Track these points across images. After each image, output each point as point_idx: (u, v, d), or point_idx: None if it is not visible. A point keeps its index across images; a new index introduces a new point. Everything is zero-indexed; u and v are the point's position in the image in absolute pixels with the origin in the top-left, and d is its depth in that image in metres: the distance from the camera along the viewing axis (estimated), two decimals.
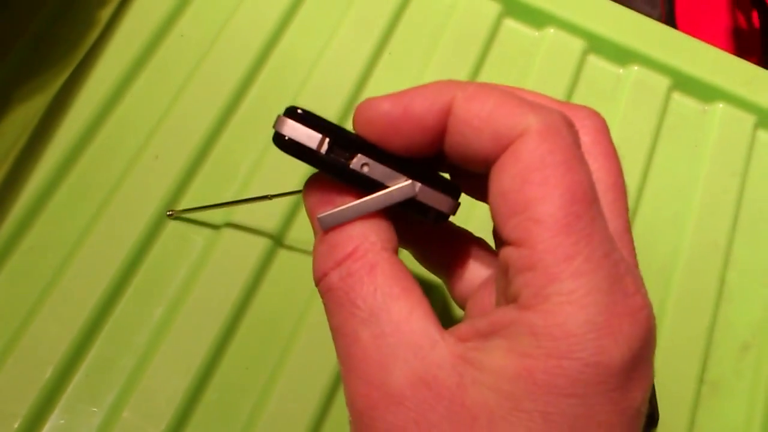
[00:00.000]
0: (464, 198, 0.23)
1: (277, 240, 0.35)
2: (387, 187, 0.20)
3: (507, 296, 0.19)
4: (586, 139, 0.20)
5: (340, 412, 0.32)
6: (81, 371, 0.31)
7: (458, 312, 0.35)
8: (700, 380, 0.36)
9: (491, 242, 0.24)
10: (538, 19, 0.42)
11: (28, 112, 0.35)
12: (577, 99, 0.41)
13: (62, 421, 0.30)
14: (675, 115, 0.42)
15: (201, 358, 0.31)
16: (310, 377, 0.32)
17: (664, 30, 0.43)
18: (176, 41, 0.38)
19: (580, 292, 0.17)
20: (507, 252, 0.18)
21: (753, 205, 0.41)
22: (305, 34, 0.40)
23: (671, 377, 0.35)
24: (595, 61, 0.43)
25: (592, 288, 0.17)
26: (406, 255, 0.26)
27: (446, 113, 0.20)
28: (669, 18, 0.64)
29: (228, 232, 0.34)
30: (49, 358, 0.30)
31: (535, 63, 0.41)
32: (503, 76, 0.41)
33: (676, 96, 0.43)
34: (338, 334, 0.20)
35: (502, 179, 0.19)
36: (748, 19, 0.69)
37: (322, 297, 0.21)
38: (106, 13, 0.38)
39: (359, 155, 0.20)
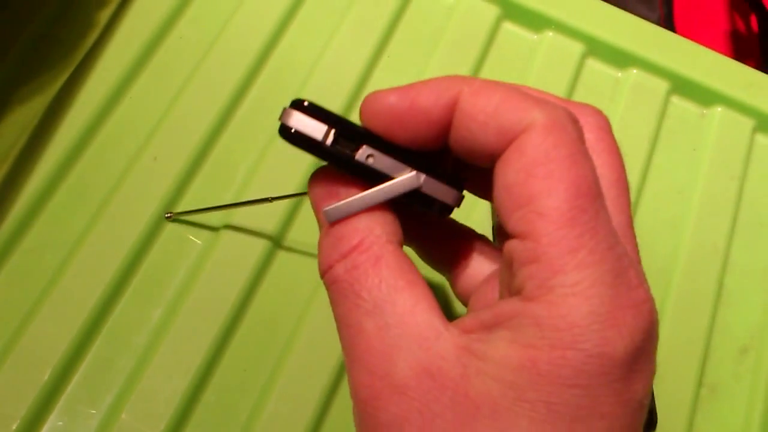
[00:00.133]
0: (465, 197, 0.23)
1: (276, 242, 0.35)
2: (392, 178, 0.20)
3: (511, 289, 0.19)
4: (590, 136, 0.20)
5: (338, 413, 0.32)
6: (79, 373, 0.31)
7: (459, 311, 0.35)
8: (699, 383, 0.36)
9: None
10: (537, 22, 0.43)
11: (27, 113, 0.35)
12: None
13: (60, 423, 0.30)
14: (674, 119, 0.42)
15: (200, 360, 0.31)
16: (308, 378, 0.32)
17: (663, 33, 0.43)
18: (175, 43, 0.38)
19: (584, 284, 0.17)
20: (511, 245, 0.19)
21: (751, 209, 0.41)
22: (304, 37, 0.40)
23: (670, 380, 0.35)
24: (593, 65, 0.43)
25: (595, 280, 0.17)
26: (409, 252, 0.26)
27: (452, 107, 0.20)
28: (667, 21, 0.65)
29: (227, 234, 0.34)
30: (48, 360, 0.30)
31: (534, 66, 0.42)
32: (502, 79, 0.41)
33: (675, 99, 0.43)
34: (343, 325, 0.20)
35: (507, 173, 0.19)
36: (747, 23, 0.69)
37: (327, 289, 0.21)
38: (105, 15, 0.38)
39: (364, 147, 0.20)
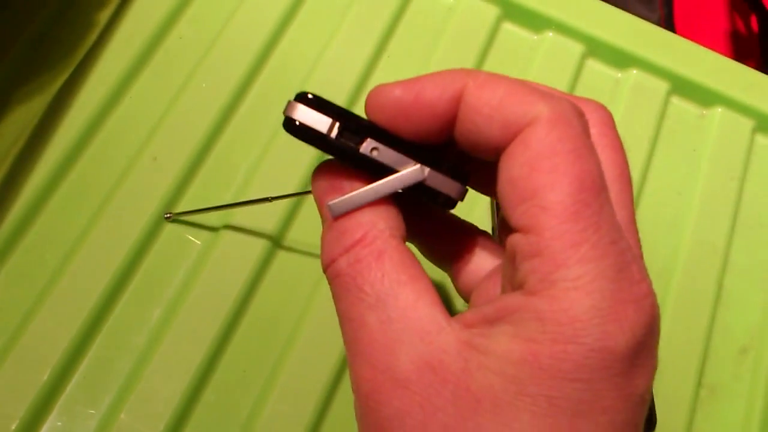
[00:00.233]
0: (468, 191, 0.23)
1: (276, 241, 0.35)
2: (396, 171, 0.20)
3: (513, 283, 0.19)
4: (593, 131, 0.20)
5: (338, 412, 0.32)
6: (79, 372, 0.31)
7: (460, 308, 0.35)
8: (699, 384, 0.36)
9: None
10: (537, 22, 0.43)
11: (27, 113, 0.35)
12: None
13: (60, 423, 0.30)
14: (674, 119, 0.42)
15: (199, 360, 0.31)
16: (308, 378, 0.32)
17: (663, 34, 0.43)
18: (175, 43, 0.38)
19: (586, 278, 0.17)
20: (514, 239, 0.19)
21: (751, 209, 0.41)
22: (304, 37, 0.40)
23: (669, 381, 0.35)
24: (593, 65, 0.43)
25: (598, 274, 0.17)
26: (410, 248, 0.26)
27: (457, 101, 0.20)
28: (668, 22, 0.65)
29: (227, 234, 0.34)
30: (47, 360, 0.30)
31: (534, 66, 0.42)
32: None
33: (675, 100, 0.43)
34: (345, 319, 0.20)
35: (511, 166, 0.19)
36: (747, 24, 0.69)
37: (329, 283, 0.21)
38: (105, 15, 0.38)
39: (369, 140, 0.20)
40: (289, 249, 0.35)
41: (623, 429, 0.17)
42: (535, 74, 0.41)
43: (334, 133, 0.20)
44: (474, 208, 0.37)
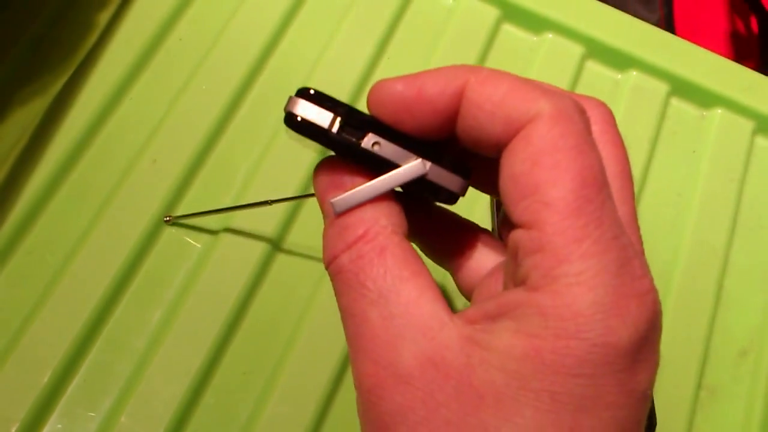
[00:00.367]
0: (464, 198, 0.23)
1: (276, 245, 0.35)
2: (398, 166, 0.20)
3: (515, 280, 0.19)
4: (595, 128, 0.20)
5: (338, 416, 0.32)
6: (79, 375, 0.31)
7: (460, 307, 0.35)
8: (698, 386, 0.36)
9: None
10: (537, 24, 0.43)
11: (27, 115, 0.35)
12: None
13: (60, 426, 0.30)
14: (673, 121, 0.42)
15: (199, 363, 0.31)
16: (308, 380, 0.32)
17: (663, 35, 0.43)
18: (175, 45, 0.38)
19: (588, 273, 0.17)
20: (516, 235, 0.19)
21: (751, 211, 0.41)
22: (303, 40, 0.40)
23: (669, 383, 0.35)
24: (593, 67, 0.43)
25: (600, 270, 0.17)
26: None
27: (459, 97, 0.20)
28: (668, 23, 0.65)
29: (226, 237, 0.34)
30: (48, 362, 0.30)
31: (534, 68, 0.42)
32: None
33: (675, 101, 0.43)
34: (347, 315, 0.20)
35: (513, 163, 0.19)
36: (747, 25, 0.69)
37: (332, 279, 0.21)
38: (104, 17, 0.38)
39: (370, 134, 0.20)
40: (289, 252, 0.35)
41: (626, 424, 0.17)
42: (534, 76, 0.41)
43: (335, 128, 0.20)
44: (475, 208, 0.37)
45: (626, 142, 0.22)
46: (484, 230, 0.25)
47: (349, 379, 0.33)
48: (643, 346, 0.17)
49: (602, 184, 0.18)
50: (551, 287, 0.17)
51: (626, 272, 0.17)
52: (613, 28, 0.43)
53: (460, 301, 0.34)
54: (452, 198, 0.21)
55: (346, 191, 0.20)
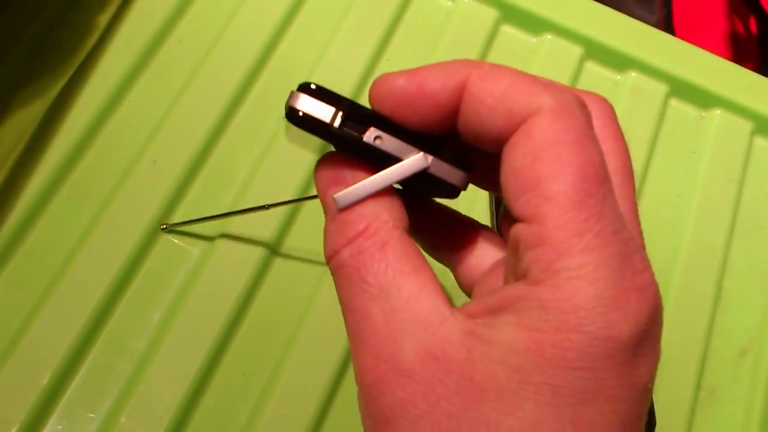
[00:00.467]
0: (464, 196, 0.23)
1: (274, 248, 0.35)
2: (399, 160, 0.20)
3: (516, 274, 0.19)
4: (595, 123, 0.21)
5: (337, 418, 0.32)
6: (79, 377, 0.31)
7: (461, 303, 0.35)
8: (698, 386, 0.36)
9: None
10: (536, 25, 0.43)
11: (27, 116, 0.35)
12: None
13: (59, 427, 0.30)
14: (672, 122, 0.42)
15: (198, 364, 0.31)
16: (307, 382, 0.32)
17: (662, 36, 0.44)
18: (174, 46, 0.38)
19: (589, 267, 0.17)
20: (517, 229, 0.19)
21: (750, 211, 0.41)
22: (302, 41, 0.40)
23: (669, 383, 0.35)
24: (592, 68, 0.43)
25: (601, 263, 0.17)
26: None
27: (460, 91, 0.20)
28: (667, 24, 0.65)
29: (224, 242, 0.34)
30: (47, 364, 0.30)
31: (533, 69, 0.42)
32: None
33: (674, 102, 0.43)
34: (348, 309, 0.20)
35: (514, 157, 0.19)
36: (746, 26, 0.69)
37: (332, 274, 0.21)
38: (104, 18, 0.38)
39: (372, 128, 0.20)
40: (287, 255, 0.35)
41: (626, 418, 0.17)
42: None
43: (337, 123, 0.20)
44: (475, 206, 0.37)
45: None
46: (484, 226, 0.25)
47: (348, 381, 0.33)
48: (644, 340, 0.17)
49: (603, 178, 0.18)
50: (552, 281, 0.17)
51: (627, 266, 0.17)
52: (612, 29, 0.43)
53: (460, 297, 0.34)
54: (454, 192, 0.21)
55: (348, 186, 0.20)
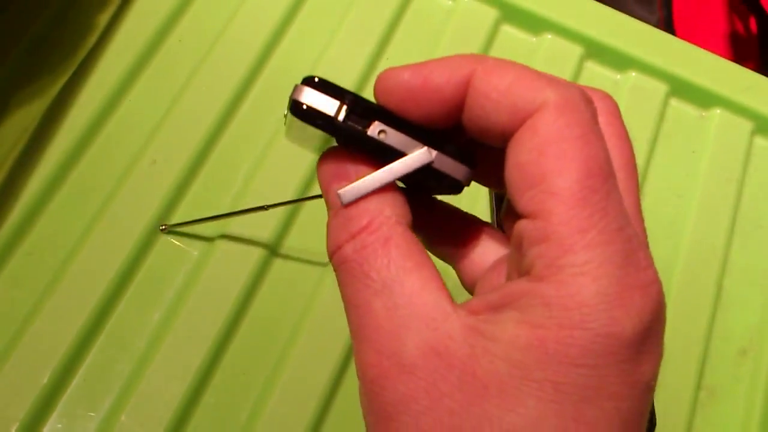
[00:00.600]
0: (466, 192, 0.23)
1: (273, 249, 0.35)
2: (404, 154, 0.20)
3: (520, 270, 0.19)
4: (600, 119, 0.20)
5: (337, 417, 0.32)
6: (79, 375, 0.31)
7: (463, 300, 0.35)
8: (698, 386, 0.36)
9: None
10: (536, 25, 0.43)
11: (26, 116, 0.35)
12: None
13: (60, 426, 0.30)
14: (672, 121, 0.42)
15: (198, 363, 0.31)
16: (307, 381, 0.32)
17: (662, 36, 0.44)
18: (174, 46, 0.38)
19: (593, 263, 0.17)
20: (521, 225, 0.19)
21: (750, 211, 0.41)
22: (303, 40, 0.40)
23: (669, 383, 0.35)
24: (592, 67, 0.43)
25: (605, 260, 0.17)
26: None
27: (465, 86, 0.20)
28: (667, 24, 0.65)
29: (223, 243, 0.34)
30: (47, 362, 0.30)
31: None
32: None
33: (674, 102, 0.43)
34: (351, 305, 0.20)
35: (519, 152, 0.19)
36: (746, 26, 0.69)
37: (335, 270, 0.21)
38: (104, 18, 0.38)
39: (376, 122, 0.20)
40: (287, 256, 0.35)
41: (629, 416, 0.17)
42: None
43: (341, 116, 0.20)
44: (476, 204, 0.37)
45: None
46: (486, 223, 0.25)
47: (347, 380, 0.33)
48: (647, 338, 0.17)
49: (608, 174, 0.18)
50: (556, 277, 0.17)
51: (631, 263, 0.17)
52: (613, 28, 0.43)
53: (462, 295, 0.34)
54: (457, 187, 0.21)
55: (351, 181, 0.20)
